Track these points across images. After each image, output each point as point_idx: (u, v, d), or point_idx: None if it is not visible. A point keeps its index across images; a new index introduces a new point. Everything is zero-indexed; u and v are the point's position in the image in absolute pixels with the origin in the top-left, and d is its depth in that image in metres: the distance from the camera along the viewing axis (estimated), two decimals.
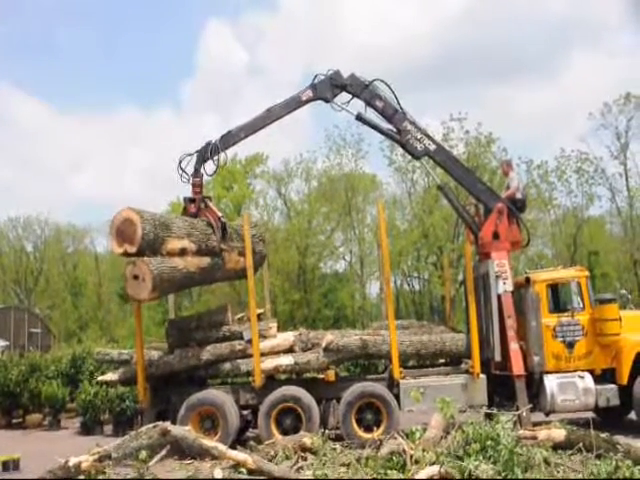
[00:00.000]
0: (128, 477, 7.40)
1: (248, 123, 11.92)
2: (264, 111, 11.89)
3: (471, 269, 11.85)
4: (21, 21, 77.31)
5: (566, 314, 11.44)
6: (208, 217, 11.52)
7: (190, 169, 11.76)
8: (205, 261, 11.23)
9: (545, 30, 63.61)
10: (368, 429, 10.63)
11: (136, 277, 9.95)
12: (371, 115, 12.23)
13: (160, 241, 10.33)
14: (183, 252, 10.76)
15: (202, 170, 11.81)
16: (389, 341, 11.06)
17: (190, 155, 11.75)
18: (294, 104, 12.00)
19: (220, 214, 11.61)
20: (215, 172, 12.40)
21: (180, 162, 11.78)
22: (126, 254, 10.20)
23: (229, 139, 11.90)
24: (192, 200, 11.73)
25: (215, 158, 11.78)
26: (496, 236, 11.81)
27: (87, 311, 46.22)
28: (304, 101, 11.99)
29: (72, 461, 7.33)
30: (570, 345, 11.31)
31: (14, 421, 16.72)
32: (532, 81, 65.47)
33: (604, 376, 11.27)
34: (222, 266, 11.64)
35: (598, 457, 7.41)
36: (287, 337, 11.56)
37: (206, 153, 11.70)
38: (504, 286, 11.46)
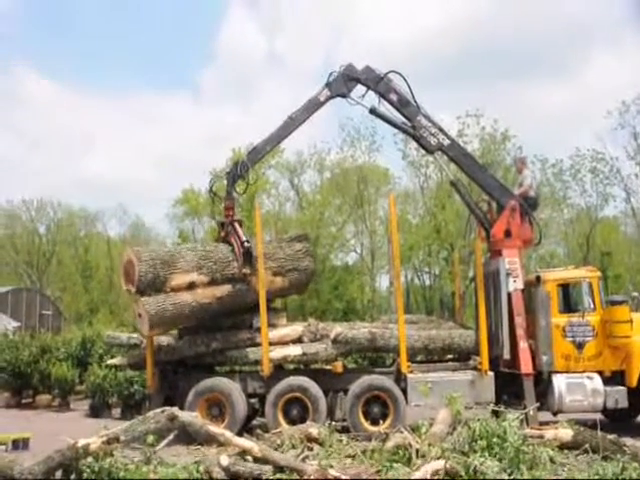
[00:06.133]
0: (135, 460, 7.48)
1: (272, 135, 11.84)
2: (286, 119, 11.79)
3: (482, 266, 11.82)
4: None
5: (576, 314, 11.35)
6: (233, 242, 11.41)
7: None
8: (224, 290, 11.16)
9: (564, 28, 62.98)
10: (374, 422, 10.66)
11: (139, 315, 10.40)
12: (385, 109, 12.13)
13: (162, 279, 10.55)
14: (192, 286, 10.83)
15: (234, 192, 11.77)
16: (398, 335, 11.08)
17: (220, 177, 11.89)
18: (314, 106, 11.93)
19: (244, 238, 11.31)
20: (246, 190, 12.33)
21: (211, 186, 12.06)
22: (130, 293, 10.65)
23: (256, 154, 11.96)
24: (222, 224, 11.79)
25: (245, 175, 11.68)
26: (508, 234, 11.75)
27: (98, 294, 46.48)
28: (323, 101, 11.93)
29: (81, 442, 7.39)
30: (580, 346, 11.24)
31: (24, 401, 16.92)
32: (550, 79, 65.00)
33: (613, 378, 11.18)
34: (250, 291, 11.37)
35: (604, 459, 7.42)
36: (296, 327, 11.61)
37: (236, 173, 11.66)
38: (514, 284, 11.40)
